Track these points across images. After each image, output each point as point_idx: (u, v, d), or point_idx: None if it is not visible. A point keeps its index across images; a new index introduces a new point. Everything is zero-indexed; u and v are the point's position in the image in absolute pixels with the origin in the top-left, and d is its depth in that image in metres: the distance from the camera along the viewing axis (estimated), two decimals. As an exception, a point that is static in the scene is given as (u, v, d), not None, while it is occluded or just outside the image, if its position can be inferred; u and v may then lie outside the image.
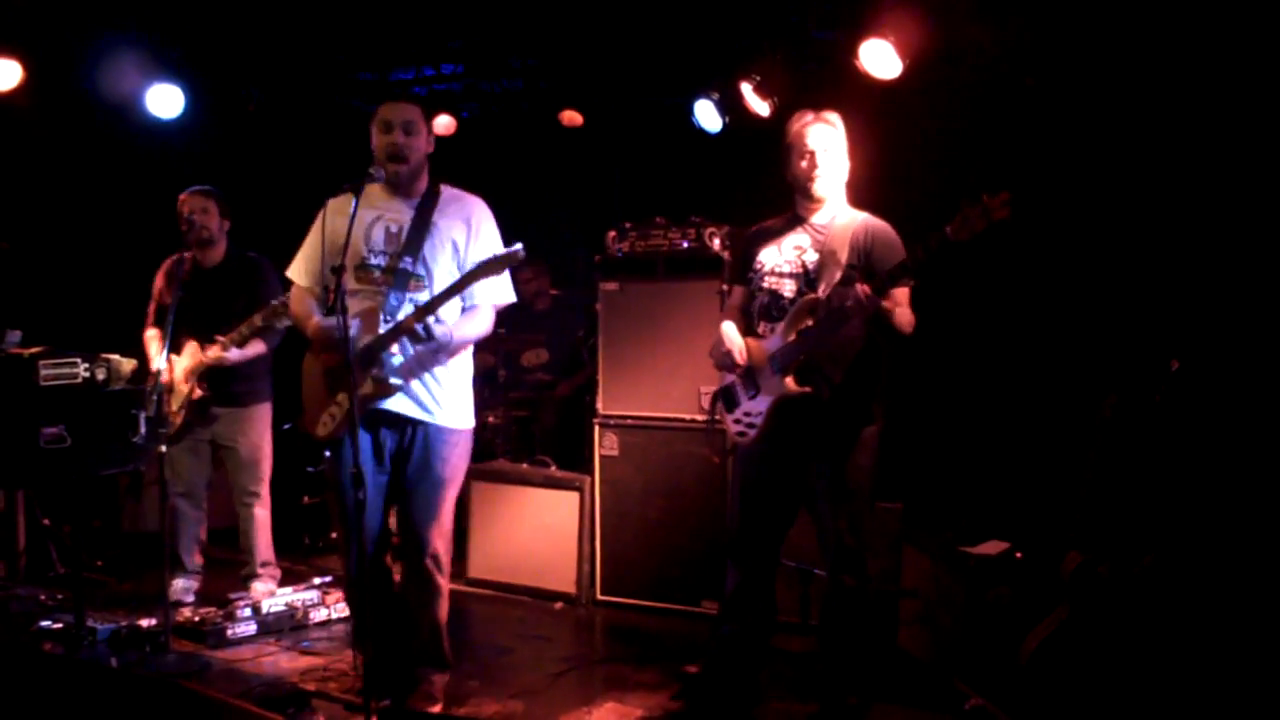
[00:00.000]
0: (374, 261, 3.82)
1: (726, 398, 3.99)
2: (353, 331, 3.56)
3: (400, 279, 3.78)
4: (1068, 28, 4.86)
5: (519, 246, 3.63)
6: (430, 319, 3.67)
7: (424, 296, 3.78)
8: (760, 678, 4.16)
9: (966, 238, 3.37)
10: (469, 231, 3.89)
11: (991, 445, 5.31)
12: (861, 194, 4.02)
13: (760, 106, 5.68)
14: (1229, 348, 4.19)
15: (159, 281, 5.35)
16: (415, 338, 3.67)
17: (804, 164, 3.86)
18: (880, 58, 5.08)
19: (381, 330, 3.72)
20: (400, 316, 3.73)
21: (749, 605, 4.04)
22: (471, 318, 3.85)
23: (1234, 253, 4.40)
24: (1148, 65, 4.70)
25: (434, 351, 3.77)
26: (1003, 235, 3.43)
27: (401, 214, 3.87)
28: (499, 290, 3.89)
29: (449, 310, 3.81)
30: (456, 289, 3.70)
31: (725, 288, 5.03)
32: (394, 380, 3.71)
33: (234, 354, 5.06)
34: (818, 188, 3.87)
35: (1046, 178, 5.05)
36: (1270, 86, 4.30)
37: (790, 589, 4.77)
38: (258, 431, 5.37)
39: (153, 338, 5.27)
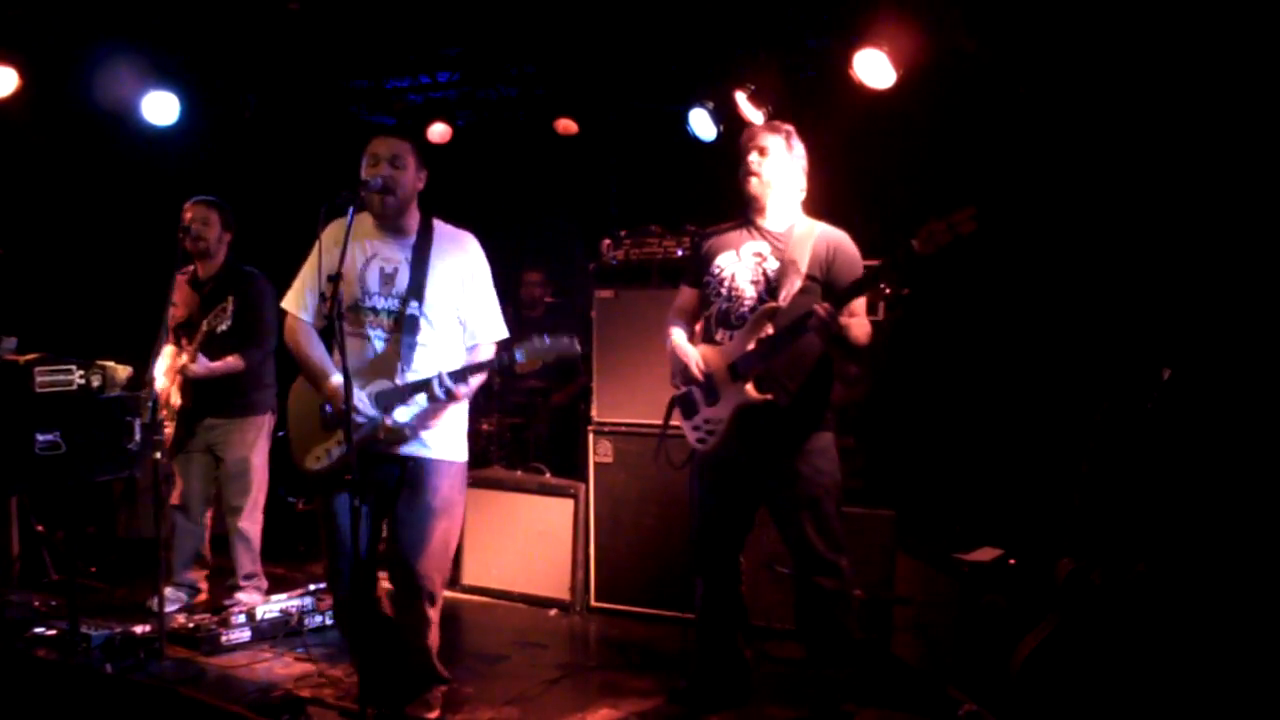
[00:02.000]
0: (370, 304, 3.80)
1: (685, 405, 4.03)
2: (355, 379, 3.60)
3: (410, 325, 3.77)
4: (1059, 37, 4.89)
5: (572, 340, 3.69)
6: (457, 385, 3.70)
7: (425, 339, 3.79)
8: (750, 683, 4.19)
9: (932, 251, 3.42)
10: (463, 274, 3.89)
11: (984, 452, 5.33)
12: (857, 202, 4.05)
13: (755, 115, 5.70)
14: (1220, 355, 4.21)
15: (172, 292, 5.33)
16: (433, 398, 3.71)
17: (742, 166, 3.94)
18: (874, 67, 5.11)
19: (399, 381, 3.74)
20: (413, 362, 3.75)
21: (719, 610, 4.10)
22: (477, 358, 3.87)
23: (1226, 261, 4.42)
24: (1139, 75, 4.74)
25: (443, 406, 3.81)
26: (994, 243, 3.46)
27: (395, 255, 3.84)
28: (497, 327, 3.92)
29: (449, 339, 3.85)
30: (499, 367, 3.76)
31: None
32: (409, 430, 3.76)
33: (199, 366, 5.04)
34: (751, 185, 3.92)
35: (1039, 186, 5.09)
36: (1259, 95, 4.33)
37: (781, 596, 4.79)
38: (246, 444, 5.33)
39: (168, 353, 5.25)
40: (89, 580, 5.93)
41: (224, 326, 4.99)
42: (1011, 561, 4.26)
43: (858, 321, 3.76)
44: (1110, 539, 3.67)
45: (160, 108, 6.21)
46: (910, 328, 3.78)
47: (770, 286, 3.86)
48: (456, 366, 3.75)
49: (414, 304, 3.77)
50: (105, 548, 6.37)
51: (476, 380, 3.82)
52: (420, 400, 3.74)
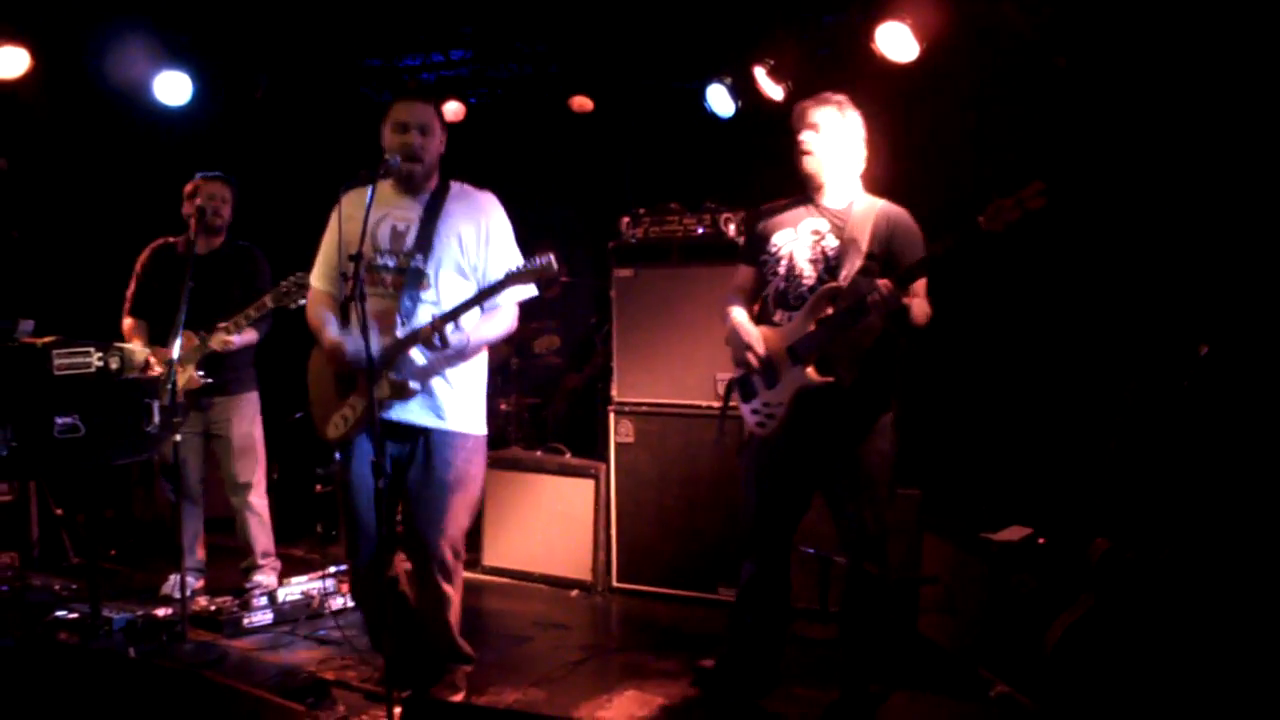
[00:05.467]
0: (381, 262, 3.78)
1: (743, 387, 3.94)
2: (359, 334, 3.52)
3: (413, 279, 3.74)
4: (1101, 4, 4.78)
5: (550, 259, 3.58)
6: (449, 327, 3.63)
7: (431, 296, 3.74)
8: (779, 665, 4.15)
9: (1000, 229, 3.35)
10: (479, 232, 3.83)
11: (1013, 430, 5.27)
12: (881, 179, 3.97)
13: (774, 91, 5.63)
14: (1259, 332, 4.14)
15: (142, 267, 5.31)
16: (430, 347, 3.64)
17: (797, 144, 3.84)
18: (897, 40, 5.02)
19: (399, 334, 3.68)
20: (415, 318, 3.70)
21: (767, 595, 4.02)
22: (492, 318, 3.81)
23: (1264, 237, 4.35)
24: (1183, 45, 4.63)
25: (450, 356, 3.75)
26: (1025, 220, 3.39)
27: (408, 212, 3.82)
28: (522, 288, 3.81)
29: (457, 297, 3.76)
30: (480, 299, 3.67)
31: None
32: (412, 384, 3.69)
33: (237, 339, 5.07)
34: (805, 164, 3.83)
35: (1069, 161, 5.00)
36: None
37: (809, 576, 4.76)
38: (248, 419, 5.34)
39: (134, 328, 5.23)
40: (109, 563, 5.93)
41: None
42: (1041, 541, 4.21)
43: (918, 302, 3.67)
44: (1138, 518, 3.62)
45: (172, 88, 6.15)
46: (937, 303, 3.70)
47: (830, 265, 3.77)
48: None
49: (419, 258, 3.74)
50: (124, 531, 6.37)
51: (487, 326, 3.77)
52: (416, 354, 3.69)
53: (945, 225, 3.52)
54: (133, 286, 5.32)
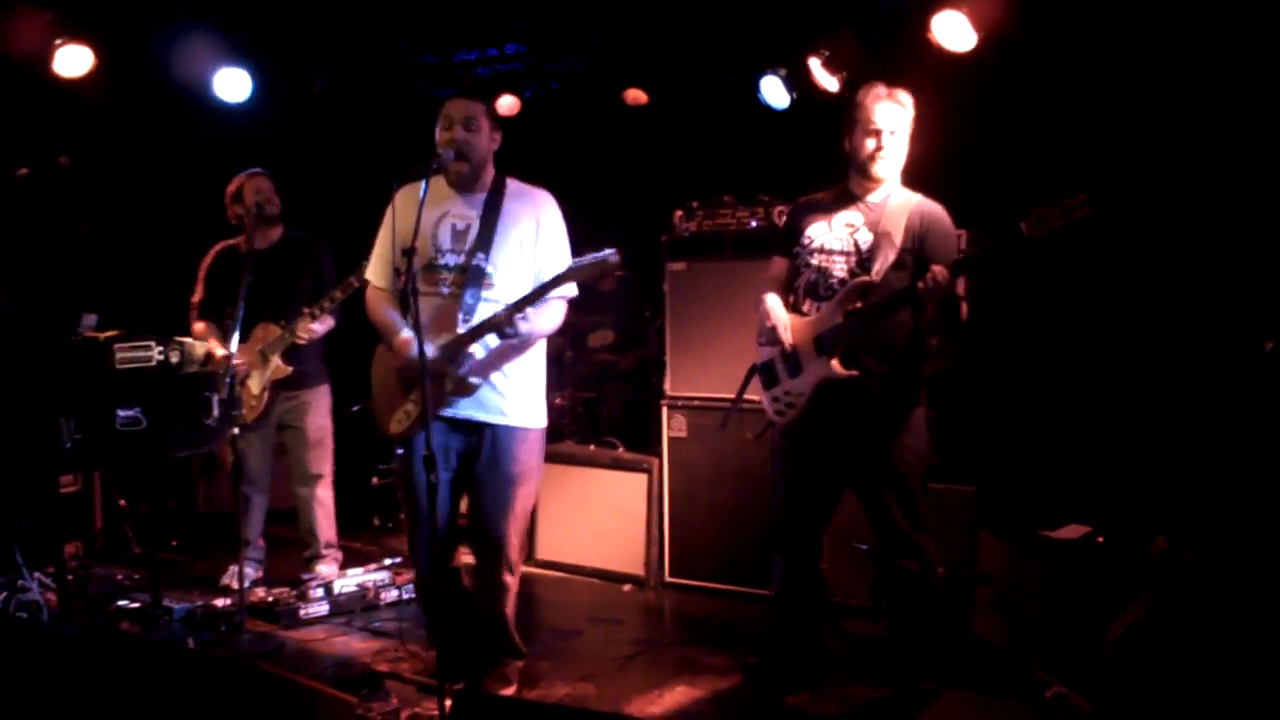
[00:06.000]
0: (443, 261, 3.82)
1: (765, 374, 3.94)
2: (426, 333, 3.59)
3: (475, 276, 3.77)
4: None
5: (612, 252, 3.60)
6: (518, 316, 3.66)
7: (494, 294, 3.78)
8: (828, 661, 4.12)
9: (1042, 235, 3.32)
10: (537, 228, 3.87)
11: (1070, 425, 5.17)
12: (932, 173, 3.92)
13: (829, 82, 5.56)
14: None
15: (206, 271, 5.39)
16: (502, 334, 3.67)
17: (870, 143, 3.76)
18: (954, 30, 4.95)
19: (461, 329, 3.72)
20: (476, 315, 3.74)
21: (800, 589, 4.03)
22: (544, 311, 3.83)
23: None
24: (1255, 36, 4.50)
25: (512, 348, 3.79)
26: (1068, 229, 3.34)
27: (467, 211, 3.86)
28: (570, 285, 3.85)
29: (517, 294, 3.78)
30: (546, 289, 3.69)
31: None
32: (475, 379, 3.73)
33: (318, 326, 5.17)
34: (878, 168, 3.79)
35: (1130, 153, 4.89)
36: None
37: (859, 573, 4.72)
38: (322, 412, 5.42)
39: (204, 331, 5.29)
40: (170, 554, 6.04)
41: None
42: (1100, 539, 4.12)
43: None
44: (1206, 517, 3.54)
45: (232, 85, 6.23)
46: (992, 296, 3.65)
47: (862, 259, 3.75)
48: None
49: (480, 256, 3.78)
50: (185, 522, 6.48)
51: (541, 319, 3.79)
52: (489, 341, 3.72)
53: (994, 221, 3.47)
54: (199, 292, 5.41)
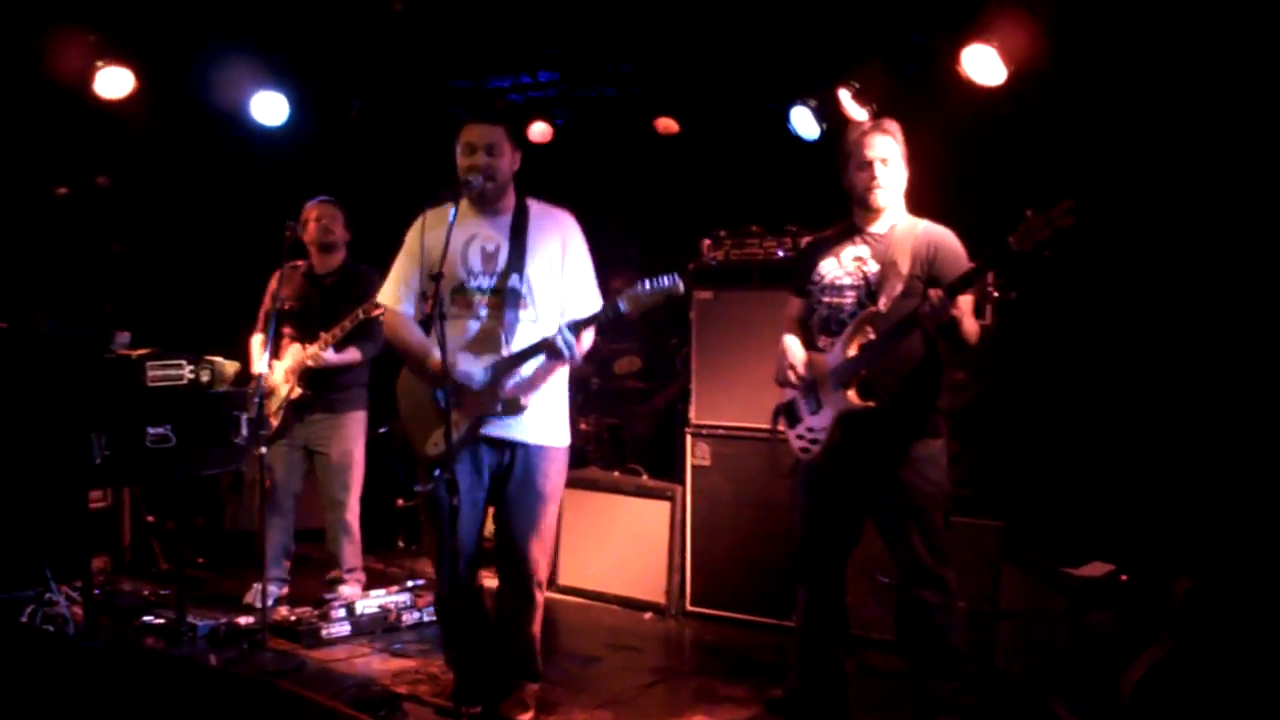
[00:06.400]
0: (474, 284, 3.86)
1: (789, 413, 3.99)
2: (461, 354, 3.68)
3: (511, 298, 3.82)
4: (1195, 32, 4.63)
5: (677, 279, 3.68)
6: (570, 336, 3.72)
7: (529, 314, 3.84)
8: (848, 695, 4.10)
9: (1030, 248, 3.34)
10: (563, 249, 3.93)
11: (1097, 462, 5.13)
12: (962, 202, 3.93)
13: (859, 113, 5.56)
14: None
15: (273, 286, 5.46)
16: (556, 354, 3.72)
17: (864, 175, 3.84)
18: (984, 63, 4.96)
19: (505, 350, 3.76)
20: (516, 335, 3.79)
21: (821, 621, 4.03)
22: (585, 335, 3.88)
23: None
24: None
25: (549, 369, 3.85)
26: (1109, 244, 3.33)
27: (494, 233, 3.90)
28: (596, 304, 3.91)
29: (550, 313, 3.87)
30: (608, 312, 3.75)
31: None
32: (524, 398, 3.79)
33: (331, 355, 5.20)
34: (877, 199, 3.85)
35: (1159, 183, 4.87)
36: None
37: (882, 605, 4.68)
38: (350, 438, 5.44)
39: (258, 342, 5.39)
40: (196, 570, 6.08)
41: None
42: (1123, 578, 4.09)
43: (967, 320, 3.67)
44: (1229, 558, 3.50)
45: (270, 108, 6.32)
46: (1020, 330, 3.65)
47: (870, 290, 3.80)
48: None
49: (514, 277, 3.83)
50: (212, 539, 6.53)
51: (588, 339, 3.86)
52: (537, 360, 3.78)
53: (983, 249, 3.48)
54: (265, 305, 5.49)
